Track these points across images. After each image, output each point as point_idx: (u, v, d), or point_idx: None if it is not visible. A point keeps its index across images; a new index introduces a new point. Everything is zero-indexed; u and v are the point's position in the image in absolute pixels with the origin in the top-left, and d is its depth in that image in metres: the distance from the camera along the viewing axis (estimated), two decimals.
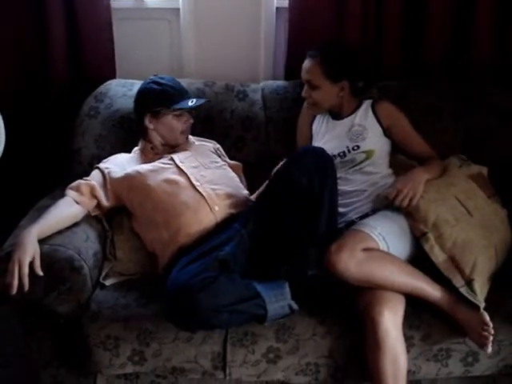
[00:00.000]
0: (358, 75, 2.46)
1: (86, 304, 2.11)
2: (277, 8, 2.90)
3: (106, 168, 2.39)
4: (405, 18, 2.76)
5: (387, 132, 2.43)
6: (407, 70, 2.81)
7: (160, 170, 2.34)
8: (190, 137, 2.53)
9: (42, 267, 2.00)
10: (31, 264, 1.97)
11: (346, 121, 2.47)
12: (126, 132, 2.56)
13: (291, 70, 2.79)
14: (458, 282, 2.08)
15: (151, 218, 2.29)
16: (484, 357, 2.10)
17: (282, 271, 2.10)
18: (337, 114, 2.50)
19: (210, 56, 2.92)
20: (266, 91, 2.73)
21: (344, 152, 2.40)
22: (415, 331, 2.07)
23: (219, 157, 2.54)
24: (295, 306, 2.07)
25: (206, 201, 2.27)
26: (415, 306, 2.07)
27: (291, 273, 2.11)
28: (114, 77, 2.83)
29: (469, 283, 2.08)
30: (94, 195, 2.32)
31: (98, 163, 2.43)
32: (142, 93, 2.48)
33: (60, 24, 2.73)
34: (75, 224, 2.24)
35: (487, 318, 2.00)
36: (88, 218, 2.32)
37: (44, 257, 2.02)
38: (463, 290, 2.07)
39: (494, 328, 2.00)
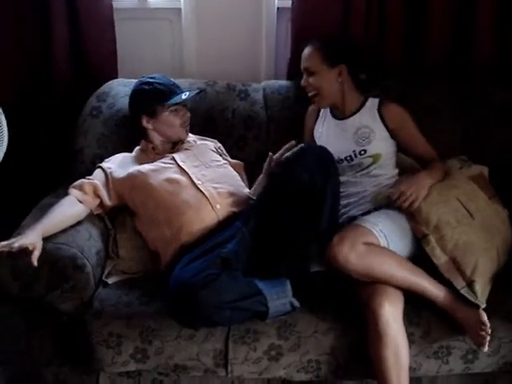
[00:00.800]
0: (356, 61, 2.45)
1: (89, 302, 2.13)
2: (278, 8, 2.90)
3: (109, 168, 2.40)
4: (406, 17, 2.77)
5: (393, 134, 2.42)
6: (408, 69, 2.82)
7: (161, 170, 2.36)
8: (192, 135, 2.54)
9: (46, 265, 2.02)
10: (29, 255, 1.96)
11: (351, 121, 2.44)
12: (128, 131, 2.56)
13: (294, 70, 2.80)
14: (459, 283, 2.09)
15: (153, 217, 2.30)
16: (484, 354, 2.10)
17: (284, 268, 2.12)
18: (340, 113, 2.48)
19: (211, 56, 2.93)
20: (267, 91, 2.74)
21: (351, 156, 2.39)
22: (415, 328, 2.08)
23: (220, 155, 2.55)
24: (296, 304, 2.08)
25: (208, 199, 2.28)
26: (415, 303, 2.08)
27: (293, 270, 2.12)
28: (116, 76, 2.84)
29: (470, 284, 2.09)
30: (96, 194, 2.33)
31: (101, 162, 2.45)
32: (134, 95, 2.50)
33: (62, 24, 2.74)
34: (78, 223, 2.26)
35: (485, 317, 2.01)
36: (91, 217, 2.33)
37: (47, 255, 2.04)
38: (464, 291, 2.08)
39: (491, 328, 2.00)
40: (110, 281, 2.25)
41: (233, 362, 2.09)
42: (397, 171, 2.44)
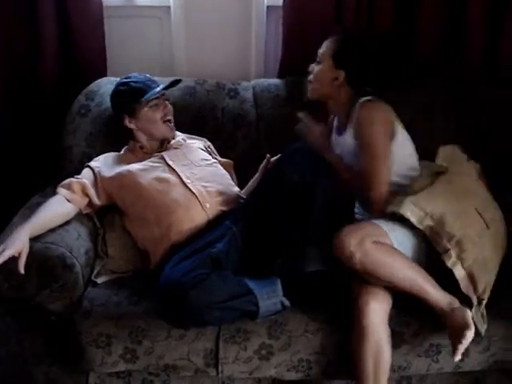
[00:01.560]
0: (357, 75, 2.29)
1: (78, 302, 2.11)
2: (268, 6, 2.89)
3: (97, 167, 2.39)
4: (396, 15, 2.77)
5: None
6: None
7: (150, 169, 2.35)
8: (181, 134, 2.53)
9: (34, 265, 2.01)
10: (16, 260, 1.95)
11: (344, 138, 2.33)
12: (117, 130, 2.54)
13: (285, 69, 2.80)
14: (475, 300, 2.06)
15: (143, 216, 2.29)
16: (474, 352, 2.11)
17: (276, 267, 2.11)
18: (342, 125, 2.37)
19: (200, 54, 2.92)
20: (257, 89, 2.74)
21: None
22: (406, 327, 2.08)
23: (210, 154, 2.54)
24: (287, 303, 2.08)
25: (198, 198, 2.27)
26: (406, 301, 2.08)
27: (285, 269, 2.12)
28: (105, 75, 2.83)
29: (479, 302, 2.07)
30: (85, 193, 2.32)
31: (89, 161, 2.44)
32: (112, 98, 2.50)
33: (52, 22, 2.72)
34: (67, 222, 2.24)
35: (471, 334, 1.97)
36: (79, 216, 2.32)
37: (36, 254, 2.02)
38: (474, 311, 2.04)
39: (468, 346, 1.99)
40: (100, 280, 2.24)
41: (223, 362, 2.09)
42: (414, 173, 2.29)
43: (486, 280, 2.10)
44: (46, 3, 2.68)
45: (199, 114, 2.66)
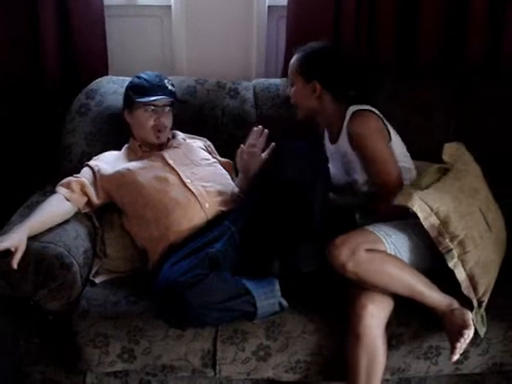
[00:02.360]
0: (332, 77, 2.33)
1: (76, 301, 2.11)
2: (269, 6, 2.89)
3: (96, 165, 2.38)
4: (397, 15, 2.76)
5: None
6: (399, 67, 2.81)
7: (150, 168, 2.34)
8: (181, 134, 2.53)
9: (32, 264, 2.01)
10: (10, 255, 1.95)
11: (336, 147, 2.36)
12: (117, 129, 2.54)
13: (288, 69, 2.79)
14: (475, 303, 2.06)
15: (141, 216, 2.28)
16: (474, 354, 2.10)
17: (274, 268, 2.11)
18: (331, 134, 2.40)
19: (201, 53, 2.91)
20: (257, 89, 2.73)
21: (349, 184, 2.34)
22: (404, 329, 2.07)
23: (210, 154, 2.53)
24: (285, 304, 2.07)
25: (197, 198, 2.26)
26: (405, 303, 2.07)
27: (283, 270, 2.11)
28: (106, 74, 2.82)
29: (479, 304, 2.06)
30: (84, 192, 2.32)
31: (88, 160, 2.43)
32: (125, 88, 2.49)
33: (52, 21, 2.71)
34: (65, 221, 2.24)
35: (471, 333, 1.97)
36: (78, 216, 2.31)
37: (34, 254, 2.03)
38: (474, 313, 2.03)
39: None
40: (98, 280, 2.23)
41: (221, 363, 2.08)
42: (408, 175, 2.32)
43: (487, 282, 2.09)
44: (47, 3, 2.68)
45: (199, 113, 2.65)
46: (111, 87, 2.66)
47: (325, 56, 2.38)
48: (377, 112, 2.31)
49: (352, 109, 2.30)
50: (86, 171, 2.38)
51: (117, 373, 2.17)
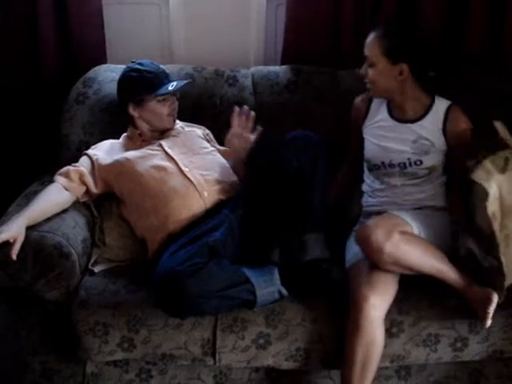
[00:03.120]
0: (422, 61, 2.26)
1: (75, 290, 2.11)
2: None
3: (95, 155, 2.37)
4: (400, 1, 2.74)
5: (448, 151, 2.29)
6: None
7: (148, 157, 2.33)
8: (179, 122, 2.51)
9: (31, 254, 2.01)
10: (9, 246, 1.95)
11: (412, 128, 2.30)
12: (115, 118, 2.53)
13: (288, 56, 2.78)
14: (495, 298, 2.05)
15: (140, 205, 2.28)
16: (473, 342, 2.11)
17: (274, 256, 2.10)
18: (400, 114, 2.34)
19: (199, 41, 2.90)
20: (256, 76, 2.71)
21: (405, 164, 2.29)
22: (405, 316, 2.08)
23: (209, 142, 2.52)
24: (285, 292, 2.07)
25: (195, 187, 2.26)
26: (405, 290, 2.08)
27: (283, 258, 2.11)
28: (104, 62, 2.81)
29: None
30: (82, 181, 2.31)
31: (87, 149, 2.42)
32: (122, 82, 2.45)
33: (50, 9, 2.69)
34: (64, 210, 2.24)
35: (495, 298, 2.01)
36: (76, 205, 2.31)
37: (32, 243, 2.02)
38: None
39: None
40: (97, 269, 2.23)
41: (221, 351, 2.08)
42: (445, 178, 2.33)
43: (509, 284, 2.09)
44: None
45: (198, 101, 2.63)
46: (109, 75, 2.64)
47: (414, 38, 2.29)
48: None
49: (442, 102, 2.31)
50: (84, 160, 2.37)
51: (117, 362, 2.18)
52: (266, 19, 2.90)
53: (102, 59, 2.81)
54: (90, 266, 2.22)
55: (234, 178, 2.40)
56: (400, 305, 2.08)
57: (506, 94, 2.57)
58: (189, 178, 2.28)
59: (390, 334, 2.06)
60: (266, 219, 2.12)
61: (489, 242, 2.05)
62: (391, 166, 2.31)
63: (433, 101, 2.32)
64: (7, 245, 1.95)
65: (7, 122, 2.63)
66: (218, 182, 2.31)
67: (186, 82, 2.46)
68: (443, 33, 2.75)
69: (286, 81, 2.68)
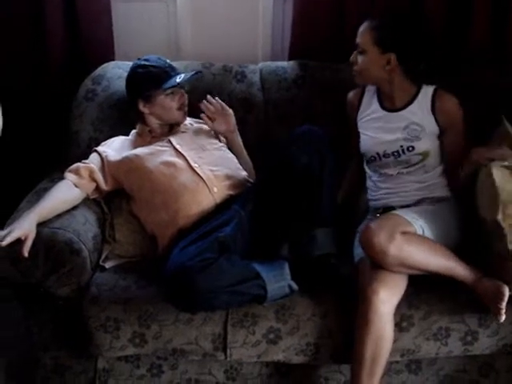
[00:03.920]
0: (410, 52, 2.26)
1: (86, 287, 2.12)
2: None
3: (104, 151, 2.38)
4: None
5: (441, 134, 2.30)
6: None
7: (158, 153, 2.34)
8: (188, 118, 2.51)
9: (42, 250, 2.01)
10: (22, 243, 1.96)
11: (401, 115, 2.32)
12: (124, 114, 2.54)
13: (295, 51, 2.78)
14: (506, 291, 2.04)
15: (150, 201, 2.28)
16: (483, 336, 2.11)
17: (284, 251, 2.11)
18: (389, 104, 2.36)
19: (207, 37, 2.90)
20: (264, 72, 2.71)
21: (398, 152, 2.30)
22: (415, 310, 2.08)
23: (217, 138, 2.52)
24: (295, 287, 2.07)
25: (205, 182, 2.26)
26: (415, 285, 2.08)
27: (293, 253, 2.11)
28: (113, 59, 2.80)
29: None
30: (92, 178, 2.32)
31: (96, 146, 2.43)
32: (129, 79, 2.46)
33: (58, 6, 2.69)
34: (74, 207, 2.25)
35: (506, 291, 1.99)
36: (87, 201, 2.32)
37: (43, 240, 2.03)
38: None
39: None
40: (107, 265, 2.24)
41: (232, 346, 2.09)
42: (442, 168, 2.33)
43: None
44: None
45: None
46: (117, 72, 2.65)
47: (405, 29, 2.29)
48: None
49: (428, 87, 2.32)
50: (94, 157, 2.38)
51: (128, 357, 2.19)
52: (273, 14, 2.90)
53: (110, 56, 2.81)
54: (100, 262, 2.24)
55: (244, 173, 2.40)
56: (410, 299, 2.08)
57: (507, 94, 2.56)
58: (198, 174, 2.28)
59: (400, 328, 2.07)
60: (276, 214, 2.12)
61: (492, 231, 2.05)
62: (386, 155, 2.32)
63: (419, 88, 2.33)
64: (19, 242, 1.96)
65: (17, 119, 2.62)
66: (228, 177, 2.31)
67: (192, 73, 2.46)
68: (445, 33, 2.74)
69: (293, 76, 2.68)
